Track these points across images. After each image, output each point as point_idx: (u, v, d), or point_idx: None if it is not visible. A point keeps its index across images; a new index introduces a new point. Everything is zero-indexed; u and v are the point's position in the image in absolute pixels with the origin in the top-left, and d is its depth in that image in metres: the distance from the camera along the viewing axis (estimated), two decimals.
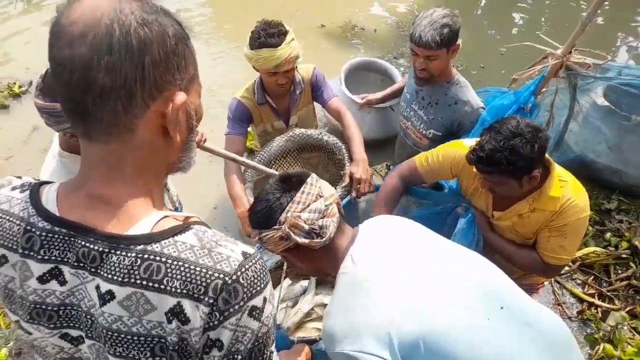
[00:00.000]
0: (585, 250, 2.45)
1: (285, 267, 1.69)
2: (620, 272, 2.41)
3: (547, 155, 1.46)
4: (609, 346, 2.08)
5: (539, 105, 2.01)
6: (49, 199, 0.66)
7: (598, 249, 2.46)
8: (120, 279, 0.59)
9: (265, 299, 0.63)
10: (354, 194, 1.78)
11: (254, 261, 0.62)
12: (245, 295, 0.60)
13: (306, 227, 1.04)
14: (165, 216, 0.64)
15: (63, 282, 0.64)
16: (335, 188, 1.83)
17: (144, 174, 0.65)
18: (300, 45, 1.88)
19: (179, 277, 0.58)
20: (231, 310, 0.59)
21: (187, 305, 0.58)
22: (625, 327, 2.17)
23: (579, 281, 2.40)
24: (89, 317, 0.64)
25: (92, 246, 0.61)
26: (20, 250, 0.65)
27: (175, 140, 0.65)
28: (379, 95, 2.70)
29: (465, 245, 1.57)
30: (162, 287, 0.59)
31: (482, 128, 1.47)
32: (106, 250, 0.60)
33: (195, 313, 0.58)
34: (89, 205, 0.63)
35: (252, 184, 2.03)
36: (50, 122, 1.25)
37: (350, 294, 1.05)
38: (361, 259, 1.08)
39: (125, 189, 0.63)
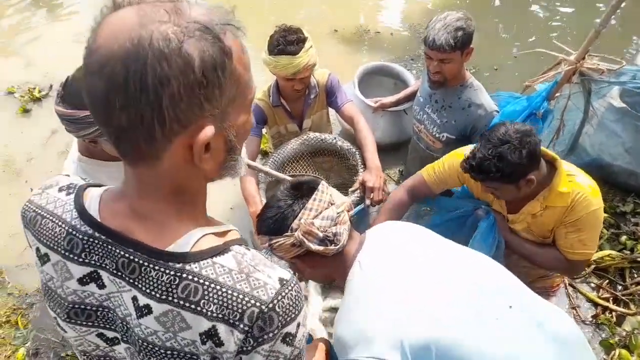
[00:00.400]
0: (600, 254, 2.42)
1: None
2: (636, 276, 2.38)
3: (551, 152, 1.47)
4: (624, 352, 2.06)
5: (552, 111, 2.01)
6: (92, 204, 0.66)
7: (613, 252, 2.44)
8: (158, 295, 0.60)
9: (299, 324, 0.63)
10: (367, 202, 1.79)
11: (290, 288, 0.62)
12: (280, 324, 0.60)
13: (320, 234, 1.05)
14: (206, 234, 0.63)
15: (102, 286, 0.65)
16: (347, 194, 1.85)
17: (182, 192, 0.63)
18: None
19: (215, 300, 0.59)
20: (265, 337, 0.59)
21: (222, 329, 0.59)
22: None
23: (593, 285, 2.38)
24: (124, 323, 0.65)
25: (131, 257, 0.61)
26: (62, 252, 0.66)
27: (207, 167, 0.60)
28: (392, 98, 2.72)
29: (485, 248, 1.60)
30: (199, 308, 0.59)
31: None
32: (145, 263, 0.61)
33: (230, 337, 0.59)
34: (130, 215, 0.63)
35: (264, 185, 2.06)
36: (70, 128, 1.26)
37: (360, 300, 1.06)
38: (369, 265, 1.09)
39: (165, 206, 0.63)
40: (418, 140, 2.25)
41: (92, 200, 0.67)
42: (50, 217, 0.68)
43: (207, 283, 0.59)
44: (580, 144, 2.69)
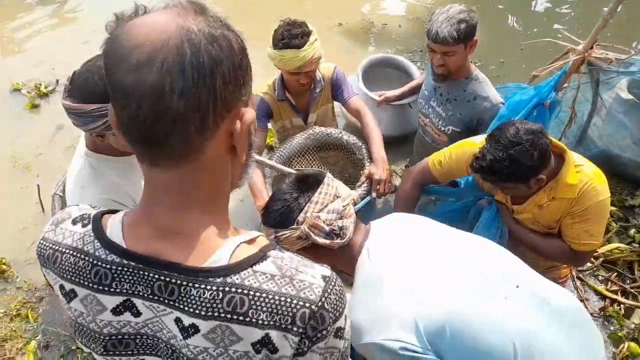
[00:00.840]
0: (609, 247, 2.41)
1: None
2: None
3: (560, 143, 1.46)
4: (634, 345, 2.05)
5: (559, 102, 1.99)
6: (113, 230, 0.64)
7: (622, 245, 2.42)
8: (203, 312, 0.58)
9: (345, 317, 0.64)
10: (373, 194, 1.80)
11: (333, 283, 0.62)
12: (331, 320, 0.60)
13: (326, 228, 1.06)
14: (239, 243, 0.63)
15: (137, 314, 0.63)
16: (354, 188, 1.85)
17: (214, 197, 0.63)
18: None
19: (264, 309, 0.58)
20: (319, 335, 0.60)
21: (275, 336, 0.58)
22: None
23: (601, 278, 2.37)
24: (169, 346, 0.63)
25: (168, 279, 0.60)
26: (90, 285, 0.63)
27: (242, 158, 0.63)
28: (397, 92, 2.70)
29: (488, 237, 1.59)
30: (248, 319, 0.58)
31: (499, 123, 1.48)
32: (184, 283, 0.59)
33: (284, 342, 0.59)
34: (158, 236, 0.61)
35: (270, 179, 2.06)
36: (78, 122, 1.26)
37: (370, 286, 1.07)
38: (377, 251, 1.11)
39: (196, 215, 0.61)
40: (424, 133, 2.24)
41: (114, 227, 0.64)
42: (71, 252, 0.65)
43: (252, 293, 0.58)
44: (589, 135, 2.67)
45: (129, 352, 0.66)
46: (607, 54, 1.92)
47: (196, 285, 0.59)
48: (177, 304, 0.60)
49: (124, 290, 0.62)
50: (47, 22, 4.52)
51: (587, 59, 1.94)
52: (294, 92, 2.08)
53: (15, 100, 3.64)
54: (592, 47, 1.91)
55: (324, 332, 0.60)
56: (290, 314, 0.58)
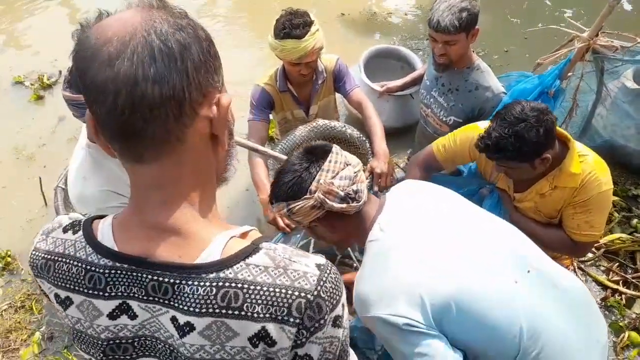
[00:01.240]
0: (611, 237, 2.40)
1: (310, 249, 1.73)
2: None
3: (564, 131, 1.45)
4: (634, 334, 2.06)
5: (564, 90, 1.97)
6: (104, 234, 0.64)
7: (624, 235, 2.41)
8: (197, 309, 0.58)
9: (343, 305, 0.63)
10: (375, 187, 1.79)
11: (329, 271, 0.62)
12: (328, 308, 0.60)
13: (341, 192, 1.06)
14: (231, 237, 0.62)
15: (133, 317, 0.63)
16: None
17: (200, 189, 0.63)
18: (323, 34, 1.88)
19: (259, 301, 0.57)
20: (317, 325, 0.59)
21: (272, 328, 0.58)
22: None
23: (603, 268, 2.37)
24: (167, 346, 0.63)
25: (161, 279, 0.59)
26: (85, 291, 0.63)
27: (224, 147, 0.63)
28: (398, 82, 2.68)
29: None
30: (243, 313, 0.57)
31: None
32: (177, 281, 0.59)
33: (282, 334, 0.58)
34: (149, 236, 0.61)
35: (272, 172, 2.06)
36: (77, 114, 1.27)
37: (381, 259, 1.08)
38: (389, 225, 1.11)
39: (185, 210, 0.61)
40: (425, 124, 2.22)
41: (104, 230, 0.64)
42: (63, 259, 0.65)
43: (246, 286, 0.58)
44: (593, 125, 2.64)
45: (128, 357, 0.66)
46: (612, 42, 1.90)
47: (189, 283, 0.58)
48: (171, 303, 0.59)
49: (119, 293, 0.62)
50: (47, 13, 4.50)
51: (592, 46, 1.91)
52: (296, 83, 2.06)
53: (17, 94, 3.64)
54: (597, 35, 1.88)
55: (322, 322, 0.59)
56: (286, 304, 0.58)
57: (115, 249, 0.62)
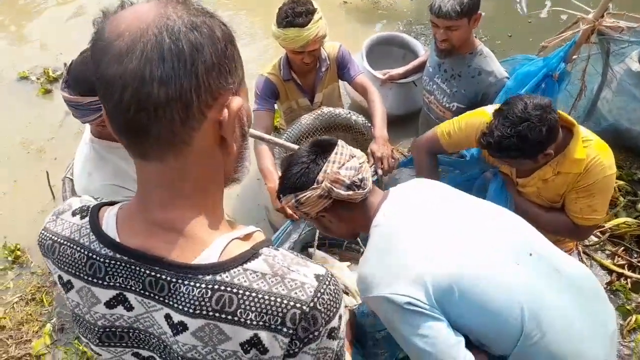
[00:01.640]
0: (616, 221, 2.39)
1: (317, 236, 1.74)
2: None
3: (570, 117, 1.44)
4: None
5: (569, 73, 1.94)
6: (109, 224, 0.64)
7: (629, 219, 2.40)
8: (191, 310, 0.58)
9: (340, 317, 0.62)
10: (380, 171, 1.80)
11: (327, 282, 0.60)
12: (323, 321, 0.58)
13: (347, 181, 1.09)
14: (232, 240, 0.62)
15: (129, 308, 0.63)
16: None
17: (205, 191, 0.62)
18: (326, 23, 1.87)
19: (253, 308, 0.57)
20: (311, 336, 0.58)
21: (265, 336, 0.57)
22: None
23: (608, 252, 2.36)
24: (160, 341, 0.63)
25: (158, 275, 0.59)
26: (85, 277, 0.64)
27: (233, 150, 0.61)
28: (401, 70, 2.67)
29: None
30: (236, 318, 0.57)
31: (506, 97, 1.45)
32: (174, 280, 0.59)
33: (274, 343, 0.57)
34: (150, 231, 0.61)
35: (279, 161, 2.06)
36: (76, 114, 1.25)
37: (385, 243, 1.10)
38: (393, 213, 1.13)
39: (188, 210, 0.61)
40: (428, 111, 2.21)
41: (109, 220, 0.64)
42: (68, 244, 0.66)
43: (241, 291, 0.57)
44: (598, 108, 2.62)
45: (123, 344, 0.66)
46: (618, 23, 1.87)
47: (185, 282, 0.58)
48: (166, 301, 0.59)
49: (117, 284, 0.62)
50: (48, 8, 4.49)
51: (598, 28, 1.89)
52: (300, 71, 2.06)
53: (23, 89, 3.65)
54: (602, 16, 1.86)
55: (316, 334, 0.58)
56: (280, 314, 0.57)
57: (117, 240, 0.62)
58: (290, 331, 0.57)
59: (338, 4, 4.24)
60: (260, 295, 0.57)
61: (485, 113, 1.59)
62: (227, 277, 0.58)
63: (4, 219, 2.78)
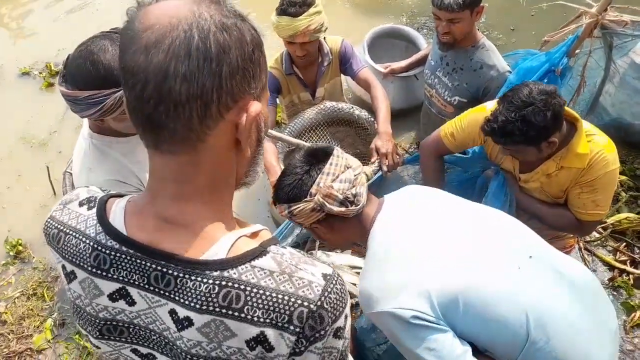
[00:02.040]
0: (618, 217, 2.38)
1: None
2: None
3: (573, 111, 1.42)
4: None
5: (571, 68, 1.93)
6: (116, 216, 0.64)
7: (631, 215, 2.39)
8: (198, 305, 0.58)
9: (346, 316, 0.62)
10: (384, 168, 1.79)
11: (334, 281, 0.60)
12: (330, 320, 0.59)
13: (340, 196, 1.07)
14: (240, 237, 0.62)
15: (131, 303, 0.63)
16: (369, 165, 1.84)
17: (216, 189, 0.62)
18: (326, 18, 1.85)
19: (260, 305, 0.57)
20: (317, 335, 0.58)
21: (271, 334, 0.57)
22: None
23: (609, 248, 2.35)
24: (162, 338, 0.63)
25: (165, 270, 0.59)
26: (89, 268, 0.64)
27: (247, 154, 0.62)
28: (403, 63, 2.65)
29: (497, 207, 1.60)
30: (243, 315, 0.57)
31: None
32: (181, 275, 0.58)
33: (280, 341, 0.57)
34: (159, 226, 0.61)
35: (282, 155, 2.05)
36: (74, 109, 1.23)
37: (383, 255, 1.08)
38: (390, 221, 1.12)
39: (197, 206, 0.61)
40: (430, 105, 2.20)
41: (117, 212, 0.64)
42: (74, 234, 0.66)
43: (248, 288, 0.57)
44: (601, 103, 2.60)
45: (123, 339, 0.66)
46: (622, 16, 1.85)
47: (192, 278, 0.58)
48: (172, 296, 0.59)
49: (120, 278, 0.62)
50: (48, 4, 4.46)
51: (601, 22, 1.86)
52: (302, 65, 2.04)
53: (25, 84, 3.64)
54: (606, 10, 1.83)
55: (322, 332, 0.58)
56: (288, 312, 0.57)
57: (124, 232, 0.62)
58: (297, 329, 0.57)
59: None
60: (267, 293, 0.57)
61: (485, 109, 1.58)
62: (235, 273, 0.58)
63: (8, 212, 2.79)
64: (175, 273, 0.59)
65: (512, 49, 2.46)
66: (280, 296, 0.57)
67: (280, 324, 0.57)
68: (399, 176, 1.99)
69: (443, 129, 1.71)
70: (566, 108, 1.41)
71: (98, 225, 0.64)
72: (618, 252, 2.32)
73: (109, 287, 0.63)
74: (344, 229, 1.15)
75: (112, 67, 1.12)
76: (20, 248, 2.57)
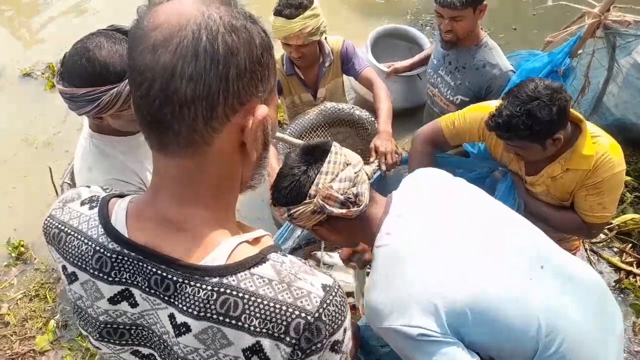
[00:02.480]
0: (624, 218, 2.37)
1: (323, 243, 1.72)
2: None
3: (577, 113, 1.41)
4: None
5: (574, 69, 1.92)
6: (118, 218, 0.63)
7: (637, 215, 2.37)
8: (196, 312, 0.57)
9: (345, 330, 0.61)
10: (383, 167, 1.78)
11: (334, 294, 0.59)
12: (327, 332, 0.57)
13: (341, 197, 1.02)
14: (240, 243, 0.61)
15: (134, 305, 0.62)
16: (368, 164, 1.83)
17: (218, 193, 0.61)
18: (324, 21, 1.84)
19: (257, 315, 0.56)
20: (313, 348, 0.57)
21: (267, 344, 0.56)
22: None
23: (615, 249, 2.34)
24: (161, 341, 0.63)
25: (164, 274, 0.59)
26: (91, 271, 0.63)
27: (252, 157, 0.61)
28: (405, 63, 2.65)
29: None
30: (240, 324, 0.56)
31: None
32: (180, 280, 0.58)
33: (276, 352, 0.56)
34: (160, 228, 0.60)
35: (282, 156, 2.05)
36: (72, 106, 1.23)
37: (390, 267, 1.05)
38: (396, 229, 1.07)
39: (200, 210, 0.60)
40: (432, 104, 2.19)
41: (119, 214, 0.63)
42: (76, 235, 0.65)
43: (247, 296, 0.56)
44: (604, 103, 2.59)
45: (123, 342, 0.66)
46: (625, 16, 1.84)
47: (191, 284, 0.57)
48: (171, 300, 0.59)
49: (124, 280, 0.61)
50: (48, 5, 4.48)
51: (604, 22, 1.86)
52: (303, 66, 2.04)
53: (27, 85, 3.65)
54: (608, 10, 1.83)
55: (319, 345, 0.57)
56: (284, 322, 0.56)
57: (126, 235, 0.62)
58: (293, 341, 0.56)
59: None
60: (265, 302, 0.56)
61: (489, 107, 1.56)
62: (233, 280, 0.57)
63: (14, 212, 2.79)
64: (175, 278, 0.58)
65: (514, 49, 2.45)
66: (277, 306, 0.56)
67: (276, 335, 0.56)
68: (398, 176, 1.98)
69: (444, 117, 1.69)
70: (571, 110, 1.40)
71: (100, 226, 0.63)
72: (624, 254, 2.31)
73: (110, 290, 0.63)
74: (347, 230, 1.11)
75: (108, 63, 1.12)
76: (22, 249, 2.57)
